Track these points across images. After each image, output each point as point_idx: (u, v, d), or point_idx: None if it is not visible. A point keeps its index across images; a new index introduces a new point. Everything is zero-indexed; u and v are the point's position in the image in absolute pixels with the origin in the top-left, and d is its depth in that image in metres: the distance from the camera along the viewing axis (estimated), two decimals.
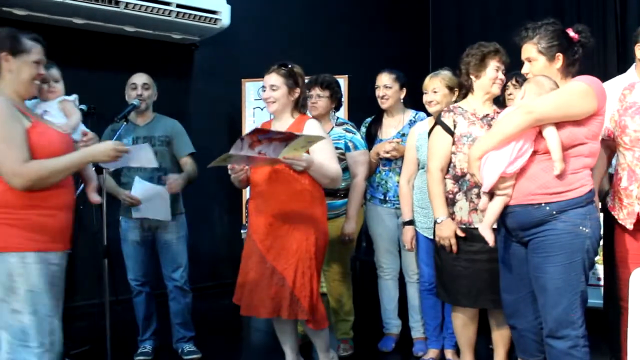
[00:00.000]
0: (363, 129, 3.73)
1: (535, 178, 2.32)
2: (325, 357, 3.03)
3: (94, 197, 2.63)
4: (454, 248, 2.76)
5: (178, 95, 4.90)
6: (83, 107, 3.16)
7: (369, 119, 3.79)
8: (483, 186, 2.41)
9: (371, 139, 3.64)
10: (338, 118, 3.63)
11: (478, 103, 2.85)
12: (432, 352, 3.39)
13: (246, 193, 4.67)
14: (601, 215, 2.55)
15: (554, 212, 2.29)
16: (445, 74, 3.23)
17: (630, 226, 2.52)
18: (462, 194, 2.79)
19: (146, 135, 3.40)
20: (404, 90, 3.60)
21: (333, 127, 3.49)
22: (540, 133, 2.30)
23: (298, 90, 2.87)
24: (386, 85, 3.55)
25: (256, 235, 2.83)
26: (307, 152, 2.70)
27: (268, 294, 2.75)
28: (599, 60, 5.13)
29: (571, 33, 2.44)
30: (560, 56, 2.42)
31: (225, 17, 4.61)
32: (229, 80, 5.17)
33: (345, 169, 3.40)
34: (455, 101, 3.04)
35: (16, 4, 3.92)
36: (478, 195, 2.67)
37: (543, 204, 2.30)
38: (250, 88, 5.15)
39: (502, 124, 2.37)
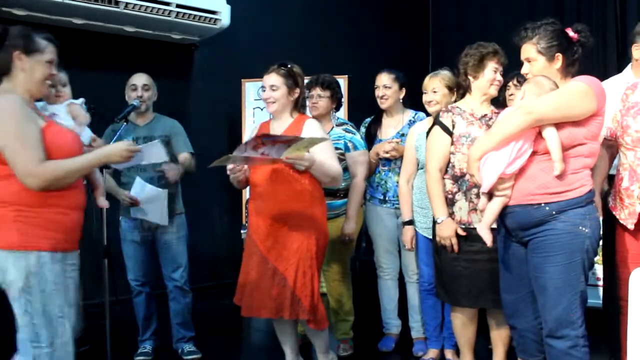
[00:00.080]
0: (362, 129, 3.73)
1: (534, 178, 2.32)
2: (325, 357, 3.03)
3: (102, 202, 2.64)
4: (455, 247, 2.76)
5: (178, 96, 4.90)
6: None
7: (368, 119, 3.79)
8: (482, 187, 2.41)
9: (371, 139, 3.64)
10: (338, 118, 3.64)
11: (476, 103, 2.85)
12: (432, 352, 3.39)
13: (246, 193, 4.67)
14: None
15: (554, 212, 2.29)
16: (445, 74, 3.23)
17: (631, 226, 2.52)
18: (461, 194, 2.79)
19: (146, 135, 3.40)
20: (404, 90, 3.60)
21: (333, 127, 3.49)
22: (539, 133, 2.30)
23: (298, 90, 2.87)
24: (385, 85, 3.55)
25: (256, 236, 2.83)
26: (308, 151, 2.70)
27: (270, 294, 2.76)
28: (598, 60, 5.14)
29: (570, 33, 2.44)
30: (559, 56, 2.42)
31: (225, 17, 4.61)
32: (229, 81, 5.17)
33: (345, 169, 3.40)
34: (455, 101, 3.04)
35: (16, 4, 3.92)
36: (477, 196, 2.67)
37: (542, 204, 2.30)
38: (250, 88, 5.15)
39: (501, 125, 2.36)
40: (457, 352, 3.18)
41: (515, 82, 3.43)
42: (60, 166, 2.12)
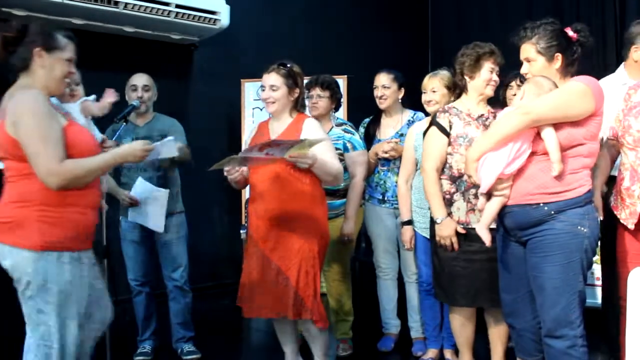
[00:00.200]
0: (362, 129, 3.74)
1: (533, 178, 2.32)
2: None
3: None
4: (455, 246, 2.76)
5: (177, 96, 4.90)
6: None
7: (367, 119, 3.79)
8: (481, 187, 2.41)
9: (370, 139, 3.64)
10: (337, 118, 3.64)
11: (472, 103, 2.85)
12: (431, 352, 3.39)
13: (246, 193, 4.67)
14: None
15: (552, 212, 2.29)
16: (445, 74, 3.24)
17: (631, 226, 2.52)
18: (459, 194, 2.79)
19: (145, 135, 3.39)
20: (402, 90, 3.60)
21: (332, 128, 3.49)
22: (538, 134, 2.30)
23: (298, 90, 2.86)
24: (384, 85, 3.56)
25: (258, 237, 2.83)
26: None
27: (272, 294, 2.75)
28: (598, 60, 5.13)
29: (570, 32, 2.43)
30: (559, 56, 2.41)
31: (224, 18, 4.61)
32: (229, 81, 5.17)
33: (345, 169, 3.40)
34: (452, 101, 3.05)
35: (16, 4, 3.92)
36: (475, 196, 2.67)
37: (541, 204, 2.31)
38: (250, 88, 5.14)
39: (499, 125, 2.37)
40: (457, 352, 3.18)
41: (518, 82, 3.42)
42: (80, 165, 2.12)
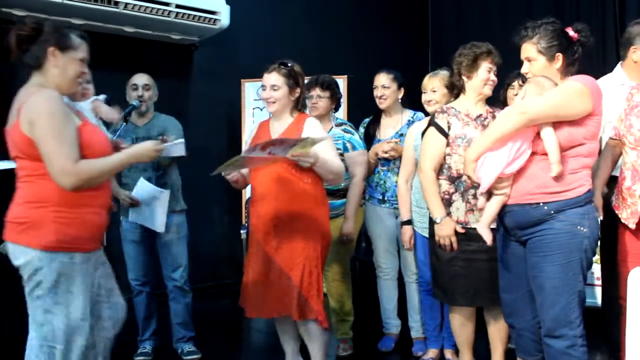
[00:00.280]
0: (361, 129, 3.74)
1: (533, 178, 2.32)
2: None
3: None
4: (455, 246, 2.76)
5: (177, 96, 4.90)
6: None
7: (367, 119, 3.79)
8: (481, 187, 2.41)
9: (369, 139, 3.64)
10: (337, 118, 3.64)
11: (470, 104, 2.85)
12: (432, 352, 3.39)
13: (246, 193, 4.67)
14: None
15: (552, 212, 2.29)
16: (445, 74, 3.23)
17: (632, 225, 2.53)
18: (458, 194, 2.79)
19: (145, 135, 3.39)
20: (402, 90, 3.60)
21: (332, 128, 3.49)
22: (538, 134, 2.30)
23: (298, 90, 2.85)
24: (384, 85, 3.56)
25: (261, 237, 2.82)
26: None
27: (276, 294, 2.75)
28: (598, 60, 5.14)
29: (570, 32, 2.43)
30: (560, 56, 2.41)
31: (224, 18, 4.62)
32: (229, 81, 5.17)
33: (345, 169, 3.40)
34: (452, 101, 3.05)
35: (16, 4, 3.92)
36: (475, 196, 2.67)
37: (541, 204, 2.31)
38: (250, 88, 5.14)
39: (496, 124, 2.37)
40: (457, 351, 3.18)
41: (520, 82, 3.42)
42: (94, 165, 2.12)
